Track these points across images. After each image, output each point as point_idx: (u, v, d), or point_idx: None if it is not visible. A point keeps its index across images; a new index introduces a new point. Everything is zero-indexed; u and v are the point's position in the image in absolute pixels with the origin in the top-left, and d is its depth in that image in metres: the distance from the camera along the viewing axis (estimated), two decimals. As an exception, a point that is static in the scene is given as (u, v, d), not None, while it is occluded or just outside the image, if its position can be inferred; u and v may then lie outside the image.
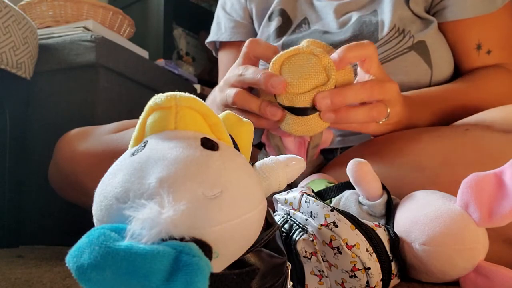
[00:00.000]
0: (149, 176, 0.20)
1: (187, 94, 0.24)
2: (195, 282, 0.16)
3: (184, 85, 1.37)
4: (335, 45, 0.68)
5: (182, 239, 0.18)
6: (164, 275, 0.16)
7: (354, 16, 0.73)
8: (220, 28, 0.89)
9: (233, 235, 0.21)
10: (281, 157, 0.30)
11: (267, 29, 0.81)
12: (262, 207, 0.24)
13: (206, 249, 0.19)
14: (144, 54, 1.24)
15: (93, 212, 0.22)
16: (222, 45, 0.90)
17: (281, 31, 0.79)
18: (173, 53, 1.77)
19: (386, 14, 0.70)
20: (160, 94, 0.24)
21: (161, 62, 1.33)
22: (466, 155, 0.48)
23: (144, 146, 0.23)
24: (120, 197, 0.20)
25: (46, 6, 1.13)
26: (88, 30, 1.06)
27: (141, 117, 0.25)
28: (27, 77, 0.94)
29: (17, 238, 0.91)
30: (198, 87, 1.49)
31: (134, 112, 1.11)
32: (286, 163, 0.30)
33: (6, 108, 0.91)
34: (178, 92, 0.24)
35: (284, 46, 0.75)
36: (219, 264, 0.21)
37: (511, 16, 0.73)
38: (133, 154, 0.22)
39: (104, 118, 0.96)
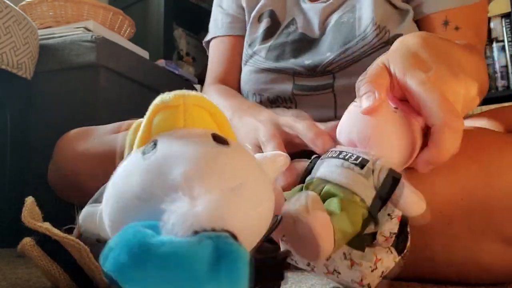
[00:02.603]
0: (172, 172, 0.21)
1: (194, 92, 0.24)
2: (238, 268, 0.16)
3: (185, 86, 1.37)
4: (322, 65, 0.69)
5: (213, 230, 0.18)
6: (208, 265, 0.16)
7: (334, 18, 0.73)
8: (217, 25, 0.89)
9: (252, 226, 0.21)
10: (268, 153, 0.31)
11: (256, 30, 0.81)
12: (272, 198, 0.24)
13: (235, 239, 0.19)
14: (145, 54, 1.24)
15: (105, 215, 0.22)
16: (218, 37, 0.89)
17: (269, 33, 0.79)
18: (174, 53, 1.77)
19: (364, 9, 0.70)
20: (167, 93, 0.24)
21: (161, 62, 1.33)
22: (464, 156, 0.48)
23: (155, 145, 0.23)
24: (141, 196, 0.20)
25: (47, 6, 1.13)
26: (89, 30, 1.06)
27: (146, 117, 0.25)
28: (28, 77, 0.94)
29: (17, 238, 0.91)
30: (198, 87, 1.49)
31: (134, 112, 1.11)
32: (273, 159, 0.30)
33: (6, 108, 0.91)
34: (185, 90, 0.24)
35: (271, 49, 0.76)
36: None
37: (483, 4, 0.69)
38: (144, 154, 0.22)
39: (104, 118, 0.95)
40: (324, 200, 0.34)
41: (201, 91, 1.48)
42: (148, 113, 0.25)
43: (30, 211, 0.35)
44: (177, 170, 0.21)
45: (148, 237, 0.17)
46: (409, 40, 0.46)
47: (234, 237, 0.19)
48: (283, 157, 0.32)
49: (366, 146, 0.37)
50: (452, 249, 0.47)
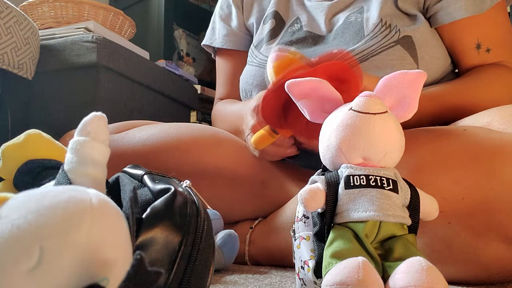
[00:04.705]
0: None
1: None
2: None
3: (185, 86, 1.38)
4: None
5: None
6: None
7: (341, 18, 0.74)
8: (214, 33, 0.93)
9: None
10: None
11: (261, 32, 0.83)
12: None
13: None
14: (145, 54, 1.24)
15: None
16: (218, 50, 0.94)
17: (274, 33, 0.80)
18: (174, 53, 1.78)
19: (372, 11, 0.72)
20: None
21: (161, 62, 1.34)
22: (465, 155, 0.48)
23: None
24: None
25: (48, 7, 1.13)
26: (89, 31, 1.07)
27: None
28: (29, 78, 0.94)
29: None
30: (198, 87, 1.49)
31: (135, 112, 1.11)
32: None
33: (7, 108, 0.91)
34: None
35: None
36: None
37: (506, 14, 0.73)
38: None
39: (105, 118, 0.96)
40: (384, 240, 0.35)
41: (201, 91, 1.48)
42: None
43: None
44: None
45: None
46: None
47: None
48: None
49: (381, 161, 0.36)
50: (452, 248, 0.47)
